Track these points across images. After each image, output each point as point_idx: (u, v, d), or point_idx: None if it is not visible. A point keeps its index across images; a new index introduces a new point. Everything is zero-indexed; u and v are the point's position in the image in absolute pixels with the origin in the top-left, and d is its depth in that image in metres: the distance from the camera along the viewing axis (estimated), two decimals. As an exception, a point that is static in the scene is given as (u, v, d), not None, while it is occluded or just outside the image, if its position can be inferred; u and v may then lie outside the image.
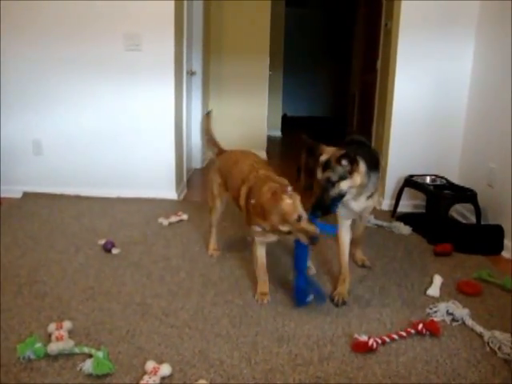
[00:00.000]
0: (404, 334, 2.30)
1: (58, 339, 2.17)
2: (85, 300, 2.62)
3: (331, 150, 2.53)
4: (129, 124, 4.57)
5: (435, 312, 2.52)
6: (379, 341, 2.22)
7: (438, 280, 2.89)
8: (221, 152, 3.24)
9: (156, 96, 4.48)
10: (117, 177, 4.65)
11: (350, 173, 2.44)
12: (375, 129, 6.72)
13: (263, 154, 6.92)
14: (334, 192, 2.45)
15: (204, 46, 6.03)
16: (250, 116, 6.84)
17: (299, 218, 2.28)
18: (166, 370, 1.99)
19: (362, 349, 2.18)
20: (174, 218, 3.93)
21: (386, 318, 2.50)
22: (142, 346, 2.20)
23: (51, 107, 4.56)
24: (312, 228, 2.29)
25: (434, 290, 2.79)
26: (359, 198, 2.66)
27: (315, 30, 11.61)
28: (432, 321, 2.37)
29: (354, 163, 2.45)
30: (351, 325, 2.43)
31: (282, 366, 2.09)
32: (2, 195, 4.50)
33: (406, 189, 4.19)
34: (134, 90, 4.48)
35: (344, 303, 2.63)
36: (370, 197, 2.71)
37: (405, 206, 4.36)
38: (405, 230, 3.85)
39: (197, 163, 6.14)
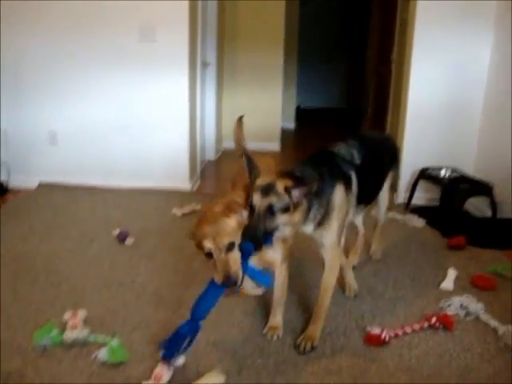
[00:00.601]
0: (417, 327, 2.30)
1: (73, 327, 2.20)
2: (99, 289, 2.65)
3: (268, 175, 2.08)
4: (143, 115, 4.59)
5: (449, 306, 2.51)
6: (392, 334, 2.23)
7: (451, 273, 2.88)
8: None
9: (170, 87, 4.49)
10: (131, 168, 4.67)
11: (295, 208, 1.99)
12: (390, 120, 6.67)
13: (276, 147, 6.91)
14: (270, 224, 1.95)
15: (218, 36, 6.01)
16: (264, 107, 6.81)
17: (230, 247, 1.90)
18: (179, 359, 2.01)
19: (375, 341, 2.19)
20: (187, 209, 3.94)
21: (399, 311, 2.50)
22: (156, 336, 2.22)
23: (67, 98, 4.59)
24: (234, 267, 1.88)
25: (447, 284, 2.77)
26: (303, 226, 2.17)
27: (330, 21, 11.49)
28: (445, 314, 2.37)
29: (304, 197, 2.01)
30: (364, 317, 2.44)
31: (295, 358, 2.10)
32: (18, 185, 4.55)
33: (421, 181, 4.16)
34: (148, 81, 4.49)
35: (312, 349, 2.18)
36: (319, 223, 2.17)
37: (419, 199, 4.32)
38: (419, 222, 3.83)
39: (210, 155, 6.14)
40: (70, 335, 2.15)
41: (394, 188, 3.01)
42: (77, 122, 4.63)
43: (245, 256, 1.96)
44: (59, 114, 4.63)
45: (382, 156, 2.75)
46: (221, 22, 6.21)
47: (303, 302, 2.58)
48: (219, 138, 6.55)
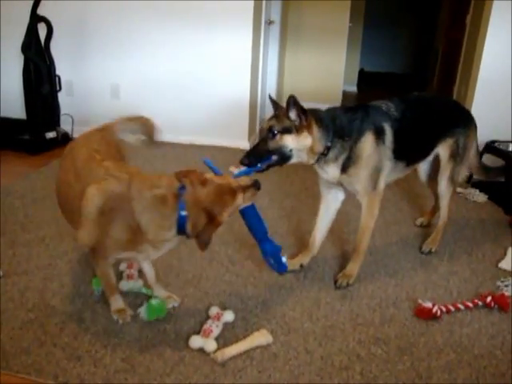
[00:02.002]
0: (470, 304, 2.24)
1: (128, 278, 2.29)
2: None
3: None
4: (205, 72, 4.59)
5: (506, 286, 2.43)
6: (444, 309, 2.18)
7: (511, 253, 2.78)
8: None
9: (233, 45, 4.45)
10: (191, 123, 4.72)
11: (298, 130, 2.12)
12: (457, 89, 6.38)
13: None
14: (273, 144, 2.12)
15: (283, -6, 5.87)
16: (327, 69, 6.67)
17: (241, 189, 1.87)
18: (228, 316, 2.06)
19: (426, 315, 2.16)
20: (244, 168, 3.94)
21: (452, 287, 2.45)
22: (208, 292, 2.28)
23: (130, 53, 4.65)
24: (245, 180, 1.91)
25: (506, 263, 2.68)
26: (326, 167, 2.28)
27: (400, -19, 11.01)
28: (502, 295, 2.29)
29: (304, 119, 2.12)
30: (416, 290, 2.40)
31: (343, 324, 2.11)
32: (82, 135, 4.69)
33: (486, 155, 3.99)
34: (212, 38, 4.47)
35: (347, 285, 2.39)
36: (345, 169, 2.25)
37: (482, 173, 4.15)
38: (480, 197, 3.70)
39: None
40: (125, 285, 2.25)
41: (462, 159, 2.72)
42: (139, 76, 4.70)
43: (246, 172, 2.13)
44: (122, 68, 4.70)
45: (434, 116, 2.59)
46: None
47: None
48: (280, 97, 6.48)
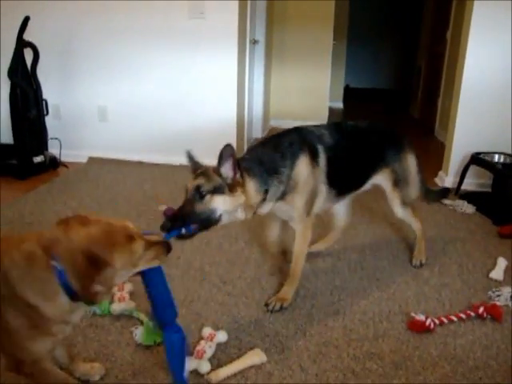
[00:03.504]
0: (463, 316, 2.24)
1: (120, 300, 2.26)
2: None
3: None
4: (191, 92, 4.61)
5: (498, 296, 2.44)
6: (437, 321, 2.18)
7: (502, 263, 2.79)
8: None
9: (219, 65, 4.49)
10: (179, 144, 4.69)
11: (231, 189, 1.87)
12: (441, 102, 6.49)
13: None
14: (200, 207, 1.83)
15: (267, 14, 5.95)
16: (312, 86, 6.74)
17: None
18: (222, 336, 2.04)
19: (419, 328, 2.15)
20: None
21: (444, 298, 2.45)
22: (200, 312, 2.26)
23: (117, 75, 4.67)
24: (153, 236, 1.51)
25: (497, 273, 2.69)
26: (263, 206, 2.10)
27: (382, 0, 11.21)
28: (494, 305, 2.30)
29: (239, 174, 1.90)
30: (408, 303, 2.40)
31: (337, 340, 2.09)
32: (69, 160, 4.68)
33: (472, 166, 4.03)
34: (197, 59, 4.51)
35: (281, 309, 2.28)
36: (281, 197, 2.12)
37: (469, 185, 4.20)
38: (469, 208, 3.73)
39: (257, 133, 6.12)
40: (117, 307, 2.22)
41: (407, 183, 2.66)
42: (126, 98, 4.71)
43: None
44: (109, 91, 4.72)
45: (369, 147, 2.52)
46: (270, 0, 6.14)
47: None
48: (266, 116, 6.54)
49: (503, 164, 3.87)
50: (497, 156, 4.00)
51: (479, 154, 4.00)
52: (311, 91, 6.74)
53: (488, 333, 2.17)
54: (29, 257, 1.31)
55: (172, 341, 1.66)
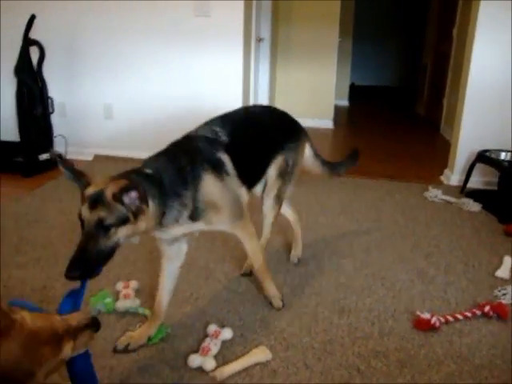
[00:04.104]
0: (469, 314, 2.24)
1: (125, 297, 2.28)
2: (150, 261, 2.71)
3: (102, 178, 1.66)
4: (197, 90, 4.61)
5: (504, 294, 2.42)
6: (442, 320, 2.18)
7: (508, 261, 2.78)
8: None
9: (224, 63, 4.48)
10: (183, 142, 4.73)
11: (136, 216, 1.60)
12: (447, 100, 6.47)
13: (330, 124, 6.82)
14: (105, 243, 1.56)
15: (273, 11, 5.94)
16: (318, 84, 6.73)
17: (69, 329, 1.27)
18: (227, 333, 2.04)
19: (424, 326, 2.15)
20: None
21: (450, 297, 2.44)
22: (205, 309, 2.27)
23: (122, 73, 4.67)
24: (78, 318, 1.34)
25: (503, 272, 2.68)
26: (166, 229, 1.83)
27: (388, -4, 11.17)
28: (500, 303, 2.29)
29: (145, 201, 1.63)
30: (414, 301, 2.39)
31: (342, 338, 2.09)
32: (75, 157, 4.69)
33: (478, 164, 4.01)
34: (202, 57, 4.50)
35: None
36: (199, 218, 1.88)
37: (475, 183, 4.18)
38: (474, 206, 3.71)
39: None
40: (121, 304, 2.23)
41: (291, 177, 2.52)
42: (131, 95, 4.71)
43: (76, 296, 1.59)
44: (115, 88, 4.72)
45: (265, 133, 2.36)
46: (276, -3, 6.13)
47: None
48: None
49: (510, 162, 3.85)
50: (503, 154, 3.98)
51: (485, 151, 3.98)
52: (317, 89, 6.73)
53: (494, 331, 2.16)
54: None
55: None
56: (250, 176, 2.22)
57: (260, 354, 1.94)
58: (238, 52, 4.45)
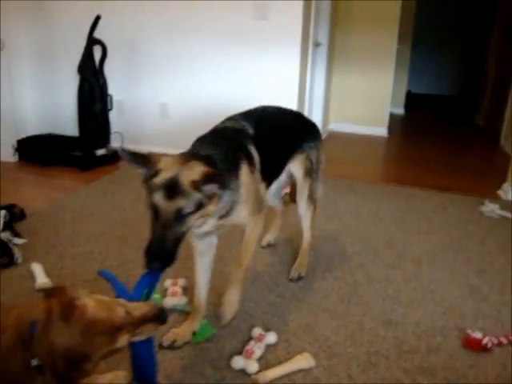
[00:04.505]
0: (525, 337, 2.14)
1: (172, 295, 2.31)
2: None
3: (171, 162, 1.62)
4: (252, 93, 4.63)
5: (563, 318, 2.31)
6: (495, 341, 2.09)
7: None
8: None
9: (281, 66, 4.49)
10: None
11: (208, 203, 1.60)
12: (509, 112, 6.24)
13: (384, 132, 6.70)
14: (181, 230, 1.57)
15: (331, 17, 5.89)
16: (374, 91, 6.61)
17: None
18: (271, 338, 2.05)
19: (475, 346, 2.07)
20: (287, 189, 3.93)
21: (504, 317, 2.34)
22: (250, 312, 2.27)
23: (179, 73, 4.75)
24: (143, 309, 1.37)
25: (562, 294, 2.56)
26: (207, 221, 1.74)
27: (449, 3, 10.87)
28: (558, 327, 2.19)
29: (221, 188, 1.63)
30: (465, 318, 2.32)
31: (387, 351, 2.05)
32: (131, 153, 4.80)
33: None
34: (259, 59, 4.52)
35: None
36: (227, 214, 1.83)
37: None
38: (533, 225, 3.56)
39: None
40: (169, 301, 2.27)
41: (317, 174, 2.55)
42: (187, 96, 4.79)
43: (153, 280, 1.62)
44: (171, 88, 4.81)
45: (283, 131, 2.34)
46: (335, 3, 6.08)
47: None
48: (326, 120, 6.49)
49: None
50: None
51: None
52: (372, 96, 6.62)
53: (550, 356, 2.07)
54: (8, 345, 1.23)
55: None
56: (271, 172, 2.20)
57: (303, 361, 1.93)
58: (295, 56, 4.44)
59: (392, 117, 7.15)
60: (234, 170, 1.81)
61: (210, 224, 1.79)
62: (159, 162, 1.60)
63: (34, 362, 1.21)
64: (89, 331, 1.20)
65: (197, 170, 1.57)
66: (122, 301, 1.36)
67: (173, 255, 1.56)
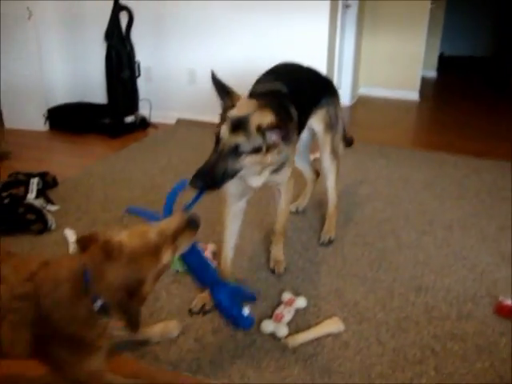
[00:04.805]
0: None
1: (203, 260, 2.33)
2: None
3: (248, 103, 1.77)
4: (279, 56, 4.49)
5: None
6: (528, 308, 2.06)
7: None
8: None
9: (310, 29, 4.39)
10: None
11: (268, 149, 1.70)
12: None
13: (415, 96, 6.52)
14: (234, 165, 1.67)
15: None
16: (405, 53, 6.40)
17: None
18: (301, 302, 2.06)
19: (508, 313, 2.05)
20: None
21: (539, 285, 2.30)
22: (280, 277, 2.29)
23: (206, 38, 4.70)
24: (175, 222, 1.44)
25: None
26: (261, 173, 1.85)
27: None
28: None
29: (282, 140, 1.73)
30: (497, 286, 2.28)
31: (417, 317, 2.05)
32: (158, 121, 4.82)
33: None
34: (288, 22, 4.42)
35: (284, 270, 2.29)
36: (277, 170, 1.94)
37: None
38: None
39: (345, 101, 5.95)
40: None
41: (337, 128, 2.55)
42: (214, 61, 4.72)
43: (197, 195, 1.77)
44: (199, 54, 4.76)
45: (305, 87, 2.35)
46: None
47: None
48: (355, 84, 6.35)
49: None
50: None
51: None
52: (404, 59, 6.42)
53: None
54: (69, 297, 1.33)
55: (219, 299, 1.89)
56: (298, 129, 2.22)
57: (333, 325, 1.94)
58: (324, 18, 4.34)
59: (424, 80, 6.94)
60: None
61: (264, 176, 1.86)
62: (239, 99, 1.76)
63: (99, 303, 1.32)
64: (134, 259, 1.31)
65: (267, 117, 1.66)
66: (151, 224, 1.45)
67: (217, 183, 1.67)
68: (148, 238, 1.36)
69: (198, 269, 1.80)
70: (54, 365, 1.42)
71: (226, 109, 1.73)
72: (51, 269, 1.37)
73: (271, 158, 1.74)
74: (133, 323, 1.33)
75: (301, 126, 2.27)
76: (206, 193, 1.73)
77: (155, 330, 1.87)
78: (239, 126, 1.65)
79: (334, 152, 2.54)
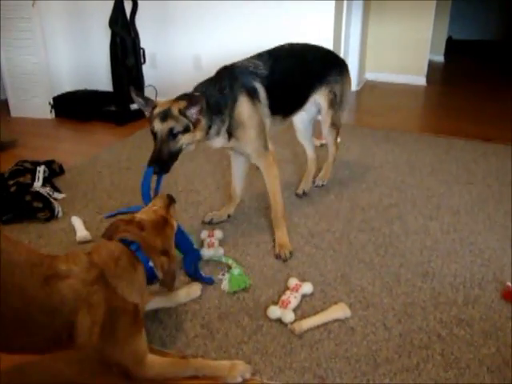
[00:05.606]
0: None
1: (209, 246, 2.34)
2: (235, 212, 2.75)
3: (165, 102, 2.15)
4: (286, 41, 4.47)
5: None
6: (536, 292, 2.05)
7: None
8: None
9: (315, 13, 4.35)
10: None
11: (194, 127, 2.08)
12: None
13: (422, 81, 6.46)
14: (174, 146, 2.06)
15: (369, -41, 5.63)
16: (412, 37, 6.31)
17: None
18: (307, 288, 2.06)
19: (515, 298, 2.04)
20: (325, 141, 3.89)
21: (546, 270, 2.29)
22: (287, 262, 2.29)
23: (211, 25, 4.67)
24: (162, 200, 1.87)
25: None
26: (212, 141, 2.27)
27: None
28: None
29: (201, 115, 2.09)
30: (504, 271, 2.27)
31: (424, 302, 2.04)
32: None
33: None
34: (293, 6, 4.38)
35: (291, 255, 2.35)
36: (231, 135, 2.27)
37: None
38: None
39: (353, 85, 5.89)
40: (206, 252, 2.30)
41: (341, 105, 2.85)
42: (220, 47, 4.71)
43: (158, 181, 2.13)
44: (204, 40, 4.74)
45: (307, 66, 2.65)
46: None
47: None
48: (362, 69, 6.30)
49: None
50: None
51: None
52: (410, 43, 6.34)
53: None
54: (129, 267, 1.59)
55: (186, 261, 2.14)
56: (287, 105, 2.59)
57: (339, 311, 1.94)
58: (330, 2, 4.29)
59: (431, 65, 6.86)
60: (229, 101, 2.21)
61: (220, 142, 2.28)
62: (157, 103, 2.13)
63: (151, 263, 1.64)
64: (160, 229, 1.71)
65: (183, 103, 2.06)
66: (151, 205, 1.84)
67: (167, 165, 2.07)
68: (157, 214, 1.75)
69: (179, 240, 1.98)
70: (113, 348, 1.53)
71: (151, 112, 2.10)
72: (101, 252, 1.58)
73: (199, 134, 2.12)
74: (171, 282, 1.71)
75: (295, 100, 2.65)
76: (163, 174, 2.10)
77: (181, 293, 2.04)
78: (166, 115, 2.05)
79: (334, 125, 2.86)
